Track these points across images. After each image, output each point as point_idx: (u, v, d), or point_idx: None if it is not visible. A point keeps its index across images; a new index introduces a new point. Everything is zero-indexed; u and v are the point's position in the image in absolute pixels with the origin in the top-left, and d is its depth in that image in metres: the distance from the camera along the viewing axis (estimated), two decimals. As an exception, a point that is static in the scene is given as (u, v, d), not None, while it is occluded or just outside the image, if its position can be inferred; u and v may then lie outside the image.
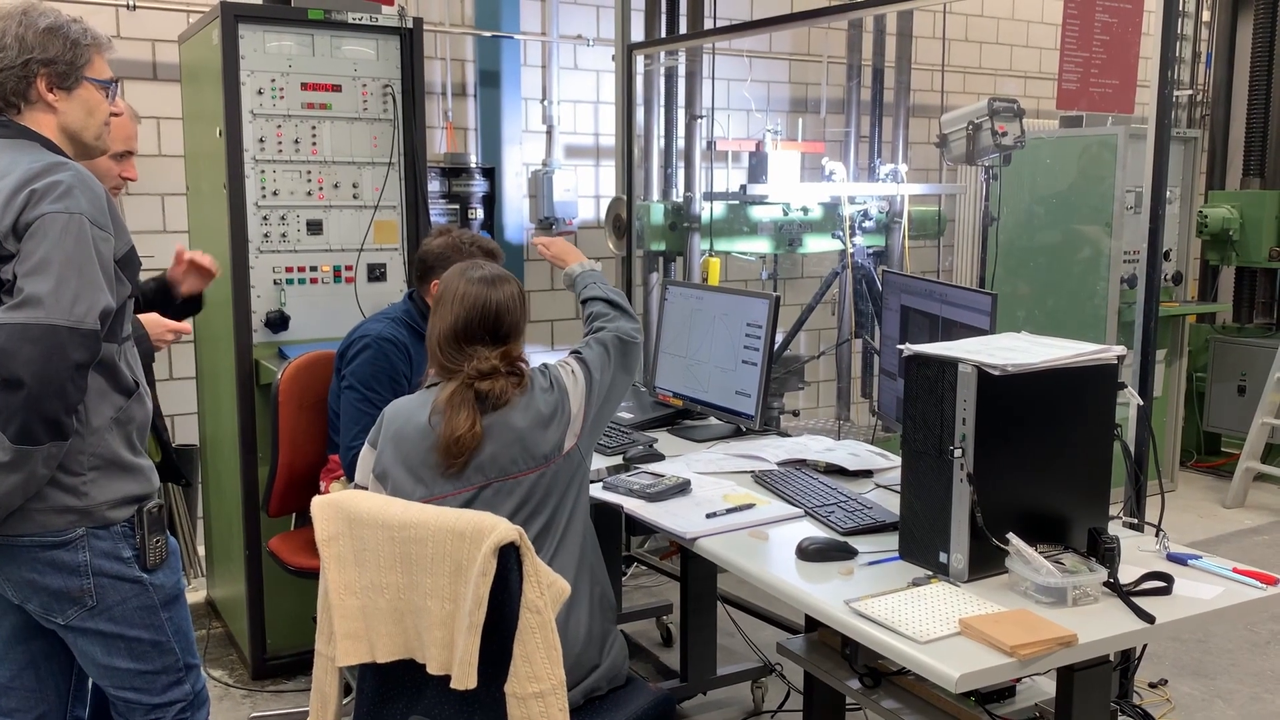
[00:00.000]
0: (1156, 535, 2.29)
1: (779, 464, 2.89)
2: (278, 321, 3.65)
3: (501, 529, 1.94)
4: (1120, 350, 2.15)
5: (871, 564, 2.19)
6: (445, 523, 1.99)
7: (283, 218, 3.68)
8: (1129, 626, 1.90)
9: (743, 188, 4.70)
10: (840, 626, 1.93)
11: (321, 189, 3.73)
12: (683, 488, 2.61)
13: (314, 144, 3.70)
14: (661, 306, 3.68)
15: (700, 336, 3.48)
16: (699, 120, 4.75)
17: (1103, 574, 1.99)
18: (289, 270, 3.70)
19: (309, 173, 3.70)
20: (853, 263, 4.78)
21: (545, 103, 5.73)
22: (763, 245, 5.00)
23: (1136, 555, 2.23)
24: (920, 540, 2.16)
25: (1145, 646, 2.77)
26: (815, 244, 5.11)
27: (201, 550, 4.58)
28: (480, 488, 2.19)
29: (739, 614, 3.87)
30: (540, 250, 2.98)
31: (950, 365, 2.06)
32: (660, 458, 3.07)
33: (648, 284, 5.09)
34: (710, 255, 4.66)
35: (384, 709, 2.20)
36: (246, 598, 3.68)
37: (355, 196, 3.78)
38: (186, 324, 2.56)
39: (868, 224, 4.85)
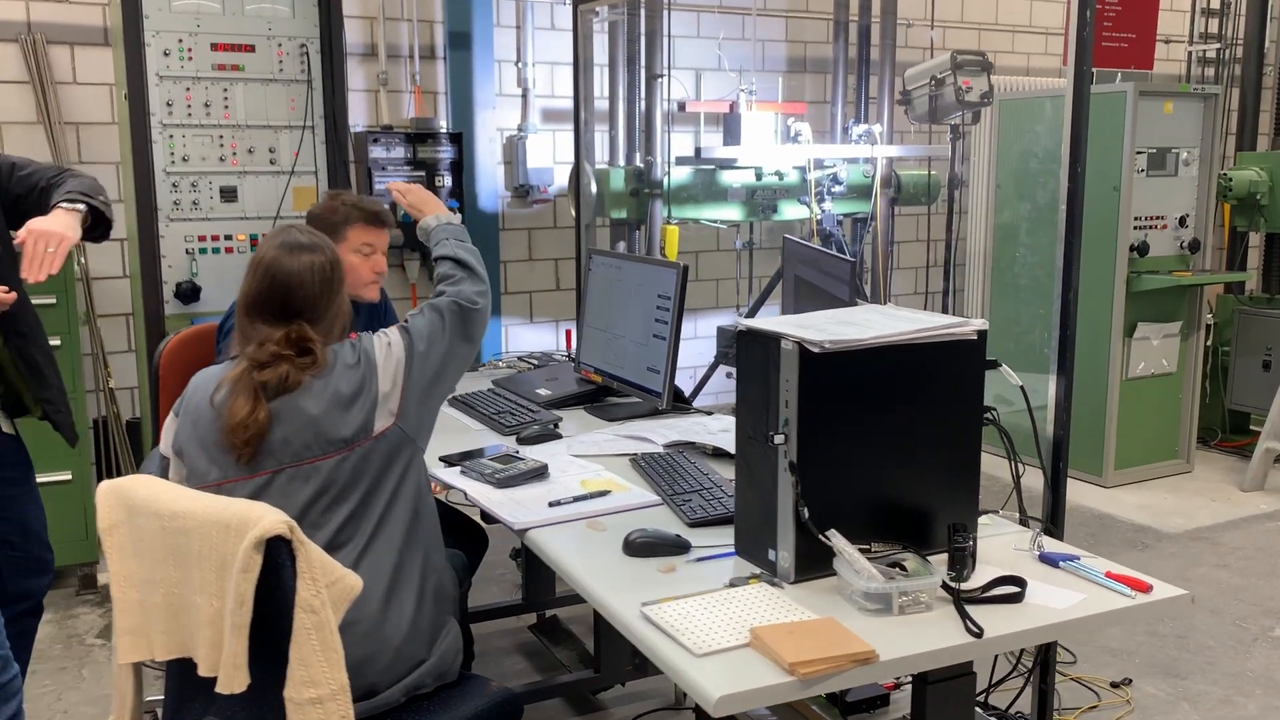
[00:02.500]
0: (1030, 527, 2.03)
1: (666, 446, 2.68)
2: (189, 293, 3.53)
3: (266, 521, 1.76)
4: (980, 324, 1.90)
5: (702, 560, 1.97)
6: (212, 514, 1.82)
7: (194, 185, 3.55)
8: (956, 640, 1.67)
9: (697, 151, 4.46)
10: (626, 632, 1.72)
11: (235, 154, 3.59)
12: (539, 473, 2.41)
13: (226, 107, 3.56)
14: (585, 277, 3.48)
15: (619, 309, 3.27)
16: (659, 80, 4.51)
17: (937, 578, 1.75)
18: (201, 239, 3.58)
19: (221, 137, 3.57)
20: (820, 230, 4.52)
21: (520, 65, 5.53)
22: (734, 213, 4.75)
23: (1009, 555, 1.98)
24: (753, 536, 1.94)
25: (1041, 650, 2.50)
26: (792, 211, 4.84)
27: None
28: (274, 473, 2.01)
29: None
30: (396, 197, 2.71)
31: (774, 341, 1.83)
32: (557, 438, 2.88)
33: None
34: (669, 223, 4.43)
35: (184, 707, 2.05)
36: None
37: (272, 162, 3.64)
38: (11, 294, 2.42)
39: (838, 189, 4.57)
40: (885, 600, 1.73)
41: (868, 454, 1.87)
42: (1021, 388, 2.03)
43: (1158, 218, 5.47)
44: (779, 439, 1.81)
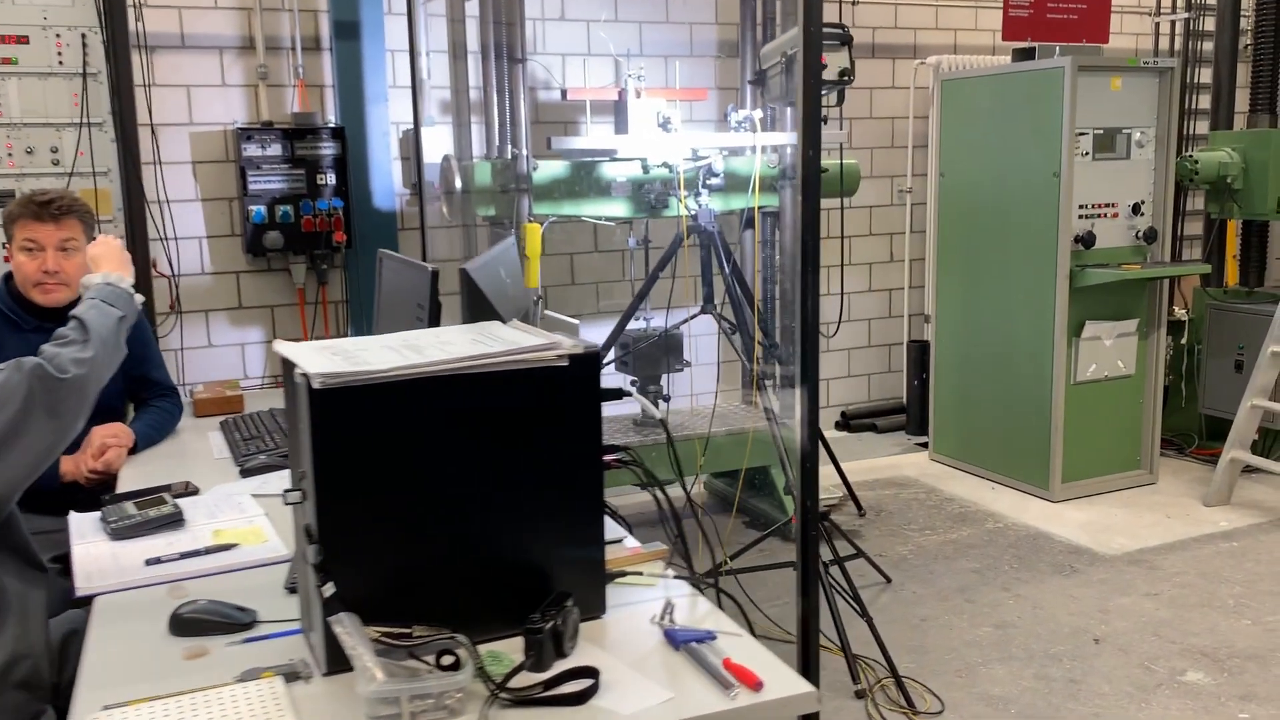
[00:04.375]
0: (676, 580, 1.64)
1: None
2: (-39, 307, 3.25)
3: None
4: (572, 346, 1.51)
5: (258, 639, 1.62)
6: None
7: (-35, 188, 3.27)
8: (455, 762, 1.29)
9: (548, 141, 4.08)
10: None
11: (11, 155, 3.31)
12: (171, 521, 2.07)
13: (-1, 104, 3.28)
14: (378, 280, 3.13)
15: (397, 318, 2.92)
16: (520, 65, 4.15)
17: (465, 676, 1.38)
18: (-24, 248, 3.30)
19: (-6, 137, 3.29)
20: (694, 227, 4.12)
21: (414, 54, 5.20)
22: (618, 208, 4.37)
23: (636, 631, 1.60)
24: (306, 613, 1.58)
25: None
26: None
27: None
28: None
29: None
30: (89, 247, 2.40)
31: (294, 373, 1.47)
32: (284, 469, 2.55)
33: (494, 254, 4.51)
34: (531, 220, 4.06)
35: None
36: None
37: (55, 162, 3.36)
38: None
39: (714, 181, 4.16)
40: (396, 704, 1.36)
41: (432, 513, 1.50)
42: (663, 421, 1.64)
43: (1107, 205, 4.97)
44: (294, 496, 1.45)
